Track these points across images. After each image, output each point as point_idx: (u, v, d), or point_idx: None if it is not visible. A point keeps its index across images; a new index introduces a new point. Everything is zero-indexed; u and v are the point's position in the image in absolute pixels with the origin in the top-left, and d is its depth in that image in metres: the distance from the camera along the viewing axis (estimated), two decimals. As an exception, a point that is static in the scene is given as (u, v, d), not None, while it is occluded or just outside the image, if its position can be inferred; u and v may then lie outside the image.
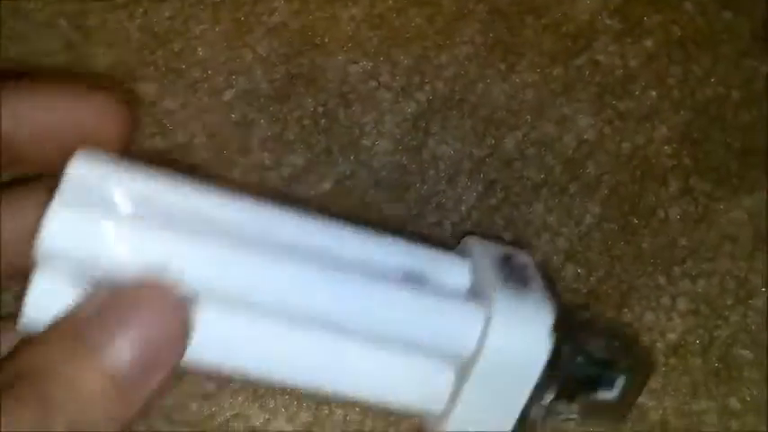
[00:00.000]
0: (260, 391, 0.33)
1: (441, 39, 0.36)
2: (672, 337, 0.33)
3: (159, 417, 0.32)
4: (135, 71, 0.36)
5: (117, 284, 0.22)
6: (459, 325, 0.24)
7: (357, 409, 0.33)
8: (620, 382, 0.26)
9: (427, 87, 0.36)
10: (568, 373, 0.26)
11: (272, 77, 0.36)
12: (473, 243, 0.27)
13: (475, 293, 0.25)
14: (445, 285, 0.26)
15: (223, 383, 0.32)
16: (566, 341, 0.25)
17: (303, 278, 0.23)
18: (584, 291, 0.34)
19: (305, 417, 0.33)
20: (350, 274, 0.24)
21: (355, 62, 0.36)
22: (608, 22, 0.36)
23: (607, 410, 0.27)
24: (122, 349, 0.22)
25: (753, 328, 0.33)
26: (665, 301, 0.33)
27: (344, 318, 0.24)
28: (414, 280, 0.25)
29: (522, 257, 0.27)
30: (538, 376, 0.24)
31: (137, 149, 0.35)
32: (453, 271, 0.26)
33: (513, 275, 0.26)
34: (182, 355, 0.23)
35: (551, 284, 0.27)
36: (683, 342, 0.33)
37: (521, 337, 0.24)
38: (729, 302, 0.33)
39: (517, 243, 0.30)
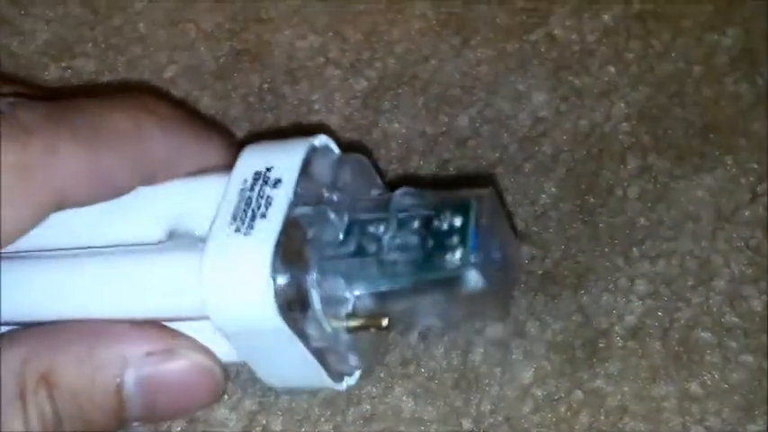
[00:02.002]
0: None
1: (392, 13, 0.35)
2: (630, 319, 0.32)
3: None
4: (73, 47, 0.35)
5: None
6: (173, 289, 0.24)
7: (304, 395, 0.32)
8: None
9: (378, 64, 0.34)
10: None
11: (217, 53, 0.34)
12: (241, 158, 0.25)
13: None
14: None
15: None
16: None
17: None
18: (540, 272, 0.32)
19: (249, 405, 0.31)
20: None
21: (303, 37, 0.34)
22: (565, -5, 0.34)
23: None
24: None
25: (714, 310, 0.32)
26: (623, 282, 0.32)
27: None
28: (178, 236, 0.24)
29: (286, 161, 0.24)
30: (276, 323, 0.23)
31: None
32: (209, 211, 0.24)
33: (251, 202, 0.23)
34: None
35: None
36: (641, 325, 0.32)
37: (234, 294, 0.22)
38: (690, 284, 0.32)
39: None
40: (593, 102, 0.34)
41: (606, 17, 0.34)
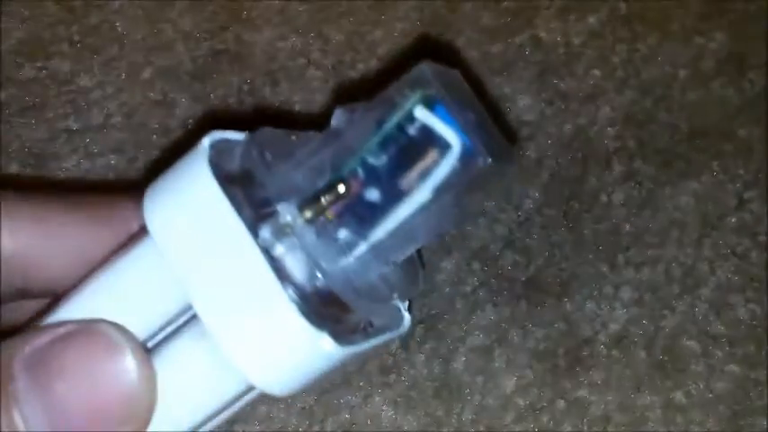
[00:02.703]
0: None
1: (374, 14, 0.34)
2: (615, 328, 0.31)
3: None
4: (49, 47, 0.34)
5: None
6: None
7: (281, 405, 0.31)
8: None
9: (360, 65, 0.34)
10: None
11: (195, 54, 0.34)
12: None
13: None
14: None
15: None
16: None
17: None
18: (523, 279, 0.32)
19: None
20: None
21: (284, 38, 0.34)
22: (550, -3, 0.34)
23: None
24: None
25: (700, 318, 0.31)
26: (608, 290, 0.32)
27: None
28: None
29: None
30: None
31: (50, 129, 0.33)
32: None
33: None
34: None
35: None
36: (626, 333, 0.31)
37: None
38: (676, 291, 0.32)
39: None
40: (579, 105, 0.33)
41: (592, 20, 0.34)
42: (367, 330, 0.23)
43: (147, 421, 0.22)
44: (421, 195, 0.21)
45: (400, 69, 0.21)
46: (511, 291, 0.32)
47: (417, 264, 0.25)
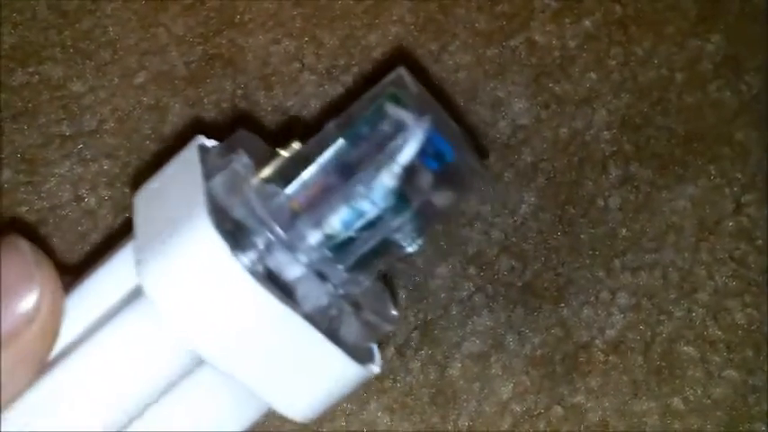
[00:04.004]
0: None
1: (369, 18, 0.34)
2: (611, 333, 0.31)
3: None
4: (40, 52, 0.33)
5: None
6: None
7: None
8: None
9: (354, 69, 0.33)
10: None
11: (188, 59, 0.33)
12: None
13: None
14: None
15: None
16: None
17: None
18: (519, 285, 0.32)
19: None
20: None
21: (277, 42, 0.33)
22: (546, 0, 0.34)
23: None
24: None
25: (697, 323, 0.31)
26: (605, 295, 0.31)
27: None
28: None
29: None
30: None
31: (42, 135, 0.33)
32: None
33: None
34: None
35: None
36: (623, 339, 0.31)
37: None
38: (673, 296, 0.32)
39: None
40: (575, 109, 0.33)
41: (587, 23, 0.33)
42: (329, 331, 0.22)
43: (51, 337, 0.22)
44: (387, 179, 0.21)
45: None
46: (507, 296, 0.31)
47: (390, 298, 0.25)
